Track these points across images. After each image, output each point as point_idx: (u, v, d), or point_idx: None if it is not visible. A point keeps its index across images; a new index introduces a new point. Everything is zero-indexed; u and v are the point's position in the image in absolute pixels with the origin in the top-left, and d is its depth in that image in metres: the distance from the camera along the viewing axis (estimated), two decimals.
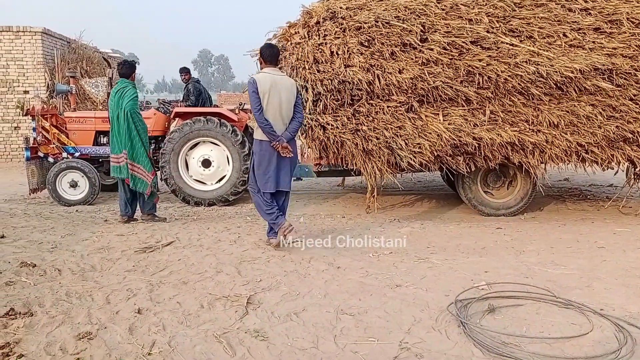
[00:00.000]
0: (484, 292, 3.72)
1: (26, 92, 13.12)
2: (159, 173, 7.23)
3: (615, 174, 7.20)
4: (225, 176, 7.57)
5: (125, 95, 5.91)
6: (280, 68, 4.91)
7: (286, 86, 4.79)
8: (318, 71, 6.00)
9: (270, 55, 4.86)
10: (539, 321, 3.26)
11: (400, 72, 5.93)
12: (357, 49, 5.94)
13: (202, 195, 7.51)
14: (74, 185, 7.59)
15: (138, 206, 6.24)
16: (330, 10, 6.11)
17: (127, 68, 6.11)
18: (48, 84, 13.12)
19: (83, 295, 3.73)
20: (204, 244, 5.10)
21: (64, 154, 7.77)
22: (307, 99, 6.00)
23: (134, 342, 3.00)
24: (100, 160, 7.93)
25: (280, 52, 6.00)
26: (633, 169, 6.65)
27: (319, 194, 8.63)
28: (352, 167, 6.38)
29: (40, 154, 7.75)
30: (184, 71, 9.95)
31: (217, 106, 9.37)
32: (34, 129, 7.80)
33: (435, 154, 6.08)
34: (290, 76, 5.91)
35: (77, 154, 7.80)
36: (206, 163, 7.56)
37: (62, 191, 7.57)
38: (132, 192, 6.11)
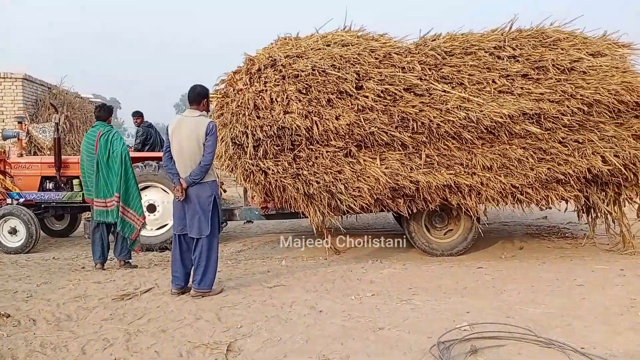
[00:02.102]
0: (466, 333, 3.71)
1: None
2: None
3: (564, 211, 7.35)
4: (168, 223, 7.42)
5: (114, 139, 5.96)
6: (204, 109, 4.88)
7: (190, 128, 4.68)
8: (258, 117, 6.10)
9: (190, 97, 4.86)
10: None
11: (337, 118, 6.07)
12: (296, 96, 6.08)
13: (143, 241, 7.16)
14: (12, 232, 7.46)
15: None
16: (271, 58, 6.27)
17: (105, 111, 6.17)
18: (28, 130, 13.02)
19: (58, 346, 3.63)
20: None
21: (8, 200, 7.69)
22: (248, 144, 6.09)
23: None
24: (44, 206, 7.84)
25: (223, 98, 6.27)
26: (580, 206, 6.81)
27: (300, 234, 8.60)
28: (296, 211, 6.44)
29: None
30: (137, 115, 9.96)
31: None
32: None
33: (375, 197, 6.18)
34: (230, 122, 6.10)
35: (21, 200, 7.71)
36: (151, 208, 7.47)
37: (2, 238, 7.45)
38: (106, 237, 6.05)
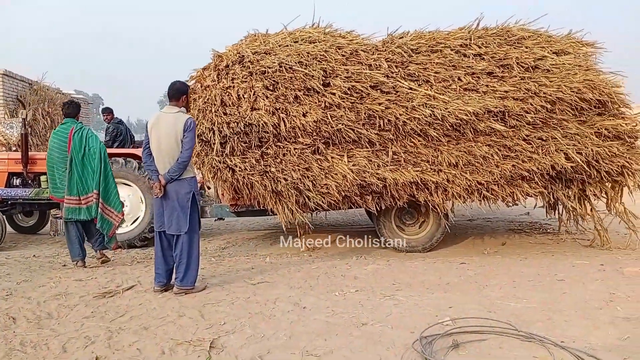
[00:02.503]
0: (448, 327, 3.74)
1: None
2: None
3: (535, 207, 7.46)
4: (137, 219, 7.38)
5: (89, 136, 5.90)
6: (183, 105, 4.84)
7: (168, 124, 4.66)
8: (225, 114, 6.10)
9: (169, 93, 4.84)
10: (502, 355, 3.29)
11: (304, 115, 6.08)
12: (263, 93, 6.09)
13: (121, 238, 7.12)
14: None
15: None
16: (239, 55, 6.27)
17: (74, 108, 6.09)
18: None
19: (38, 344, 3.58)
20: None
21: None
22: (215, 141, 6.08)
23: None
24: (11, 202, 7.76)
25: (190, 94, 6.19)
26: (547, 202, 6.93)
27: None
28: (265, 208, 6.45)
29: None
30: (106, 111, 9.83)
31: (138, 147, 9.31)
32: None
33: (343, 194, 6.22)
34: (196, 119, 6.05)
35: None
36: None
37: None
38: (86, 233, 6.01)
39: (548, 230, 7.98)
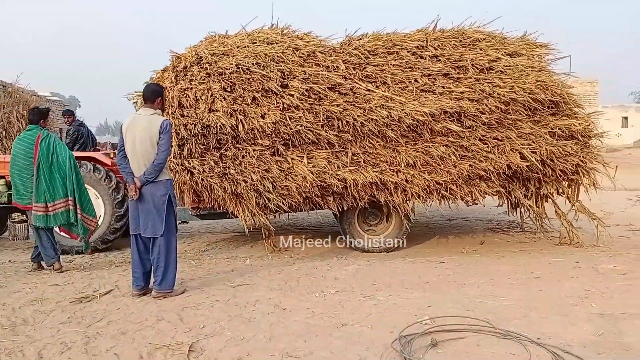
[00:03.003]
0: (427, 326, 3.77)
1: None
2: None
3: (498, 206, 7.58)
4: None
5: (57, 144, 5.84)
6: (159, 107, 4.79)
7: (143, 126, 4.62)
8: (182, 115, 6.09)
9: (144, 95, 4.81)
10: (479, 353, 3.33)
11: (262, 117, 6.10)
12: (220, 94, 6.09)
13: (71, 243, 6.90)
14: None
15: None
16: (197, 56, 6.26)
17: (36, 114, 5.99)
18: None
19: (13, 351, 3.52)
20: None
21: None
22: (172, 143, 5.99)
23: None
24: None
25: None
26: (508, 202, 7.06)
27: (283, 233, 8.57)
28: (227, 210, 6.44)
29: None
30: (67, 114, 9.68)
31: (99, 150, 9.19)
32: None
33: (304, 195, 6.25)
34: None
35: None
36: None
37: None
38: (52, 235, 5.95)
39: (525, 229, 8.08)
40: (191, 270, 5.84)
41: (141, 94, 6.09)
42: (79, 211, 5.82)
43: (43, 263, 6.02)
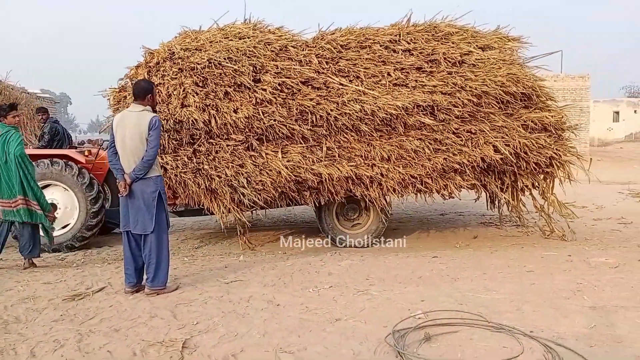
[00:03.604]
0: (421, 321, 3.78)
1: None
2: None
3: (476, 201, 7.60)
4: (70, 223, 7.20)
5: (10, 140, 5.81)
6: (149, 104, 4.75)
7: (133, 123, 4.60)
8: (154, 111, 6.07)
9: (134, 91, 4.79)
10: (472, 346, 3.34)
11: (235, 111, 6.09)
12: (192, 89, 6.08)
13: (60, 240, 6.94)
14: None
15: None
16: (169, 51, 6.25)
17: (2, 111, 5.99)
18: None
19: (5, 349, 3.49)
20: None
21: None
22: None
23: None
24: None
25: (120, 92, 6.28)
26: (487, 196, 7.15)
27: (259, 230, 8.57)
28: (202, 207, 6.42)
29: None
30: (41, 111, 9.58)
31: (75, 147, 9.15)
32: None
33: (279, 190, 6.26)
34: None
35: None
36: (53, 207, 6.99)
37: None
38: (17, 238, 5.99)
39: (518, 223, 8.12)
40: (184, 267, 5.83)
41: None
42: (30, 204, 5.85)
43: (35, 260, 6.03)
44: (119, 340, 3.61)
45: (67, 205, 7.18)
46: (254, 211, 6.86)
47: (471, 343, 3.40)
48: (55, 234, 7.01)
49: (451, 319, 3.79)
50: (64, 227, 7.18)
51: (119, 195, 4.78)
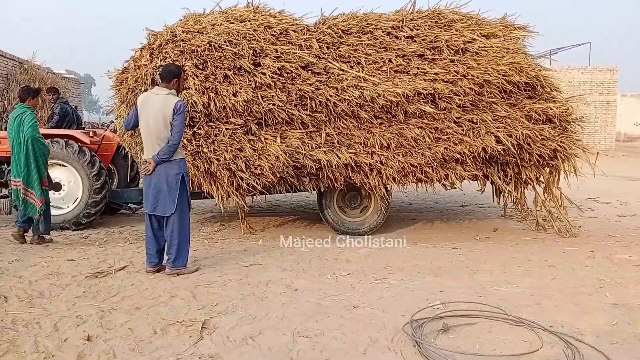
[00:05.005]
0: (439, 311, 3.77)
1: None
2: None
3: (481, 192, 7.48)
4: (75, 200, 7.31)
5: (24, 121, 5.94)
6: (174, 88, 4.79)
7: (157, 105, 4.63)
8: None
9: (161, 73, 4.84)
10: (491, 339, 3.33)
11: (234, 95, 6.03)
12: (192, 72, 6.04)
13: (55, 220, 7.01)
14: None
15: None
16: (172, 34, 6.24)
17: (24, 92, 6.17)
18: None
19: (30, 322, 3.58)
20: None
21: None
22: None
23: None
24: None
25: (122, 73, 6.29)
26: (494, 188, 7.04)
27: (278, 215, 8.60)
28: (202, 190, 6.43)
29: None
30: (52, 91, 9.65)
31: (84, 128, 9.26)
32: None
33: (278, 175, 6.21)
34: (127, 98, 6.10)
35: None
36: (57, 186, 7.23)
37: None
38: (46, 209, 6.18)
39: (540, 217, 8.01)
40: (204, 249, 5.89)
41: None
42: (22, 190, 6.01)
43: (45, 236, 6.27)
44: (140, 318, 3.67)
45: (70, 181, 7.30)
46: (254, 196, 6.86)
47: (490, 336, 3.38)
48: (61, 212, 7.23)
49: (470, 310, 3.77)
50: (71, 204, 7.30)
51: (143, 175, 4.84)
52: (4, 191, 7.69)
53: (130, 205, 8.23)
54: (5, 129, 8.12)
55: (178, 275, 4.72)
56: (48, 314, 3.75)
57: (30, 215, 6.08)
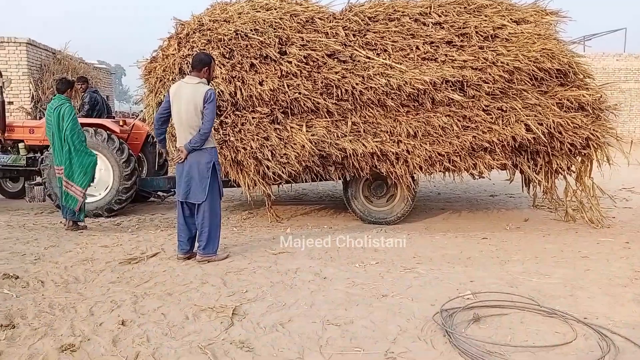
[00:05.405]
0: (469, 301, 3.74)
1: (10, 102, 12.99)
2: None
3: (510, 182, 7.31)
4: (106, 188, 7.45)
5: (64, 114, 6.09)
6: (205, 77, 4.79)
7: (188, 94, 4.65)
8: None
9: (192, 62, 4.86)
10: (523, 330, 3.28)
11: (261, 83, 6.01)
12: (219, 61, 6.03)
13: (89, 207, 7.08)
14: None
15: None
16: (199, 23, 6.24)
17: (62, 84, 6.33)
18: (33, 95, 13.02)
19: (66, 307, 3.68)
20: None
21: None
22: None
23: (118, 353, 2.96)
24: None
25: (151, 63, 6.37)
26: (524, 177, 6.89)
27: (305, 204, 8.63)
28: (229, 179, 6.44)
29: None
30: (81, 80, 9.76)
31: (114, 117, 9.41)
32: None
33: (303, 164, 6.17)
34: (155, 88, 6.15)
35: None
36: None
37: None
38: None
39: (573, 207, 7.84)
40: (234, 237, 5.95)
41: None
42: (64, 182, 6.18)
43: (80, 223, 6.43)
44: (172, 304, 3.74)
45: (101, 168, 7.38)
46: (280, 185, 6.88)
47: (522, 327, 3.33)
48: (94, 199, 7.38)
49: (501, 301, 3.72)
50: (103, 191, 7.46)
51: (176, 163, 4.90)
52: (38, 179, 7.91)
53: (159, 193, 8.37)
54: (40, 118, 8.36)
55: (208, 262, 4.79)
56: (83, 298, 3.85)
57: (71, 207, 6.23)
